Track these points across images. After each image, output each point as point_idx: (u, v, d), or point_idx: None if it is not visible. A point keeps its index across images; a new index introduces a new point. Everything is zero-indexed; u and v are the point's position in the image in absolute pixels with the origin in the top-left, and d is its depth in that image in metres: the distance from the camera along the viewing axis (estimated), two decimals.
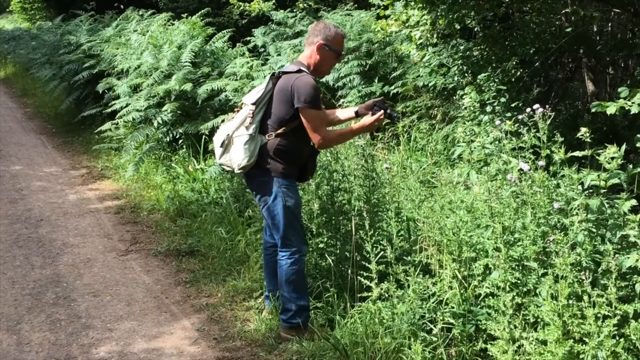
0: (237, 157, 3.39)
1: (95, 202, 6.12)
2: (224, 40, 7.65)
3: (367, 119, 3.46)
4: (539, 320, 2.79)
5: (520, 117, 3.43)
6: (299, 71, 3.38)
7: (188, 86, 6.40)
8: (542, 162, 3.11)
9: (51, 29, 11.89)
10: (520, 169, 3.17)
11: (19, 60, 14.56)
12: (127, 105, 6.79)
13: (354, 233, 3.64)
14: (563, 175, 3.19)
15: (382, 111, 3.45)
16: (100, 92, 7.81)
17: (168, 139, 6.62)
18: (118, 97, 7.15)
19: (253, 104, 3.42)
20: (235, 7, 10.86)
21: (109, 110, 7.17)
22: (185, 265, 4.59)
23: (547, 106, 3.25)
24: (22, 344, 3.56)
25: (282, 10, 10.07)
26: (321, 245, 3.91)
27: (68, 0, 15.92)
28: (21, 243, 5.02)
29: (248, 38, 9.84)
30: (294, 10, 10.17)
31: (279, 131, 3.37)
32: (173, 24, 8.58)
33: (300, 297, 3.48)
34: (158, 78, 6.67)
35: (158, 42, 7.39)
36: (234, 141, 3.41)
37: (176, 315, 3.88)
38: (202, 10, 8.49)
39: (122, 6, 11.35)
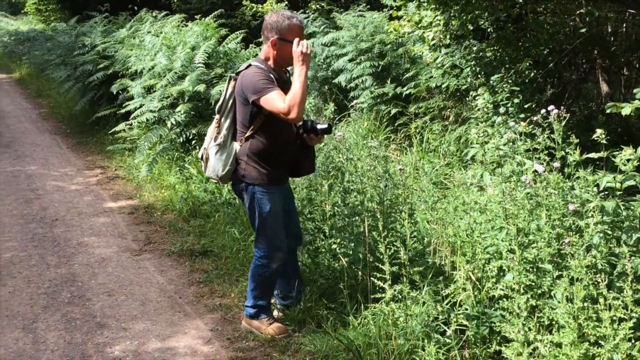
0: (215, 168, 3.42)
1: (110, 202, 6.16)
2: (237, 41, 7.68)
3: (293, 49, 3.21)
4: (554, 322, 2.78)
5: (534, 118, 3.42)
6: (248, 66, 3.34)
7: (201, 87, 6.44)
8: (557, 164, 3.10)
9: (66, 31, 11.99)
10: (535, 171, 3.16)
11: (33, 62, 14.68)
12: (140, 106, 6.83)
13: (367, 234, 3.64)
14: (578, 177, 3.18)
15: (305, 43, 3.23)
16: (115, 93, 7.86)
17: (181, 140, 6.65)
18: (132, 98, 7.20)
19: (217, 112, 3.45)
20: (248, 8, 10.91)
21: (123, 111, 7.23)
22: (199, 266, 4.61)
23: (562, 107, 3.23)
24: (37, 342, 3.59)
25: (294, 12, 10.08)
26: (334, 247, 3.91)
27: (82, 2, 16.08)
28: (36, 242, 5.07)
29: (260, 39, 9.88)
30: (307, 12, 10.18)
31: (247, 134, 3.35)
32: (186, 25, 8.62)
33: (261, 298, 3.57)
34: (172, 79, 6.70)
35: (172, 43, 7.43)
36: (208, 153, 3.45)
37: (190, 315, 3.90)
38: (215, 12, 8.52)
39: (135, 8, 11.42)
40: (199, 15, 9.20)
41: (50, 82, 11.96)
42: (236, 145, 3.40)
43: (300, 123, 3.42)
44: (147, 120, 6.66)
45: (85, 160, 7.80)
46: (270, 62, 3.37)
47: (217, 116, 3.45)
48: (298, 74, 3.19)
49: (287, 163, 3.47)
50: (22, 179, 6.86)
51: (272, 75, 3.28)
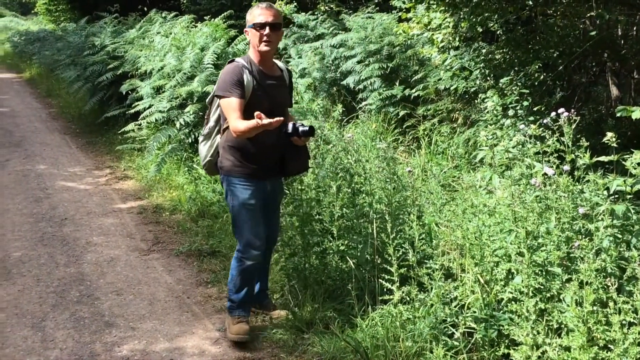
0: (201, 158, 3.58)
1: (118, 202, 6.19)
2: (246, 42, 7.68)
3: (267, 121, 3.08)
4: (563, 326, 2.77)
5: (544, 121, 3.41)
6: (232, 61, 3.40)
7: (210, 88, 6.45)
8: (567, 167, 3.09)
9: (76, 31, 12.05)
10: (545, 174, 3.15)
11: (43, 61, 14.76)
12: (150, 107, 6.86)
13: (375, 236, 3.64)
14: (588, 181, 3.17)
15: (278, 119, 3.09)
16: (124, 93, 7.89)
17: (190, 140, 6.67)
18: (141, 99, 7.22)
19: (208, 104, 3.56)
20: None
21: (132, 111, 7.26)
22: (207, 266, 4.62)
23: (572, 110, 3.22)
24: (46, 341, 3.61)
25: (303, 13, 10.11)
26: (342, 248, 3.91)
27: (92, 3, 16.17)
28: (46, 241, 5.09)
29: None
30: (316, 13, 10.20)
31: (224, 126, 3.41)
32: (196, 26, 8.64)
33: (235, 293, 3.57)
34: (181, 80, 6.73)
35: (181, 44, 7.46)
36: (199, 141, 3.63)
37: (198, 315, 3.91)
38: (225, 13, 8.54)
39: (145, 8, 11.47)
40: (208, 16, 9.21)
41: (60, 82, 12.02)
42: (219, 137, 3.49)
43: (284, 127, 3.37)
44: (156, 120, 6.69)
45: (95, 160, 7.84)
46: (254, 57, 3.39)
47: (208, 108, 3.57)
48: (253, 124, 3.10)
49: (268, 161, 3.44)
50: (31, 178, 6.90)
51: (246, 78, 3.28)
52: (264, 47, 3.32)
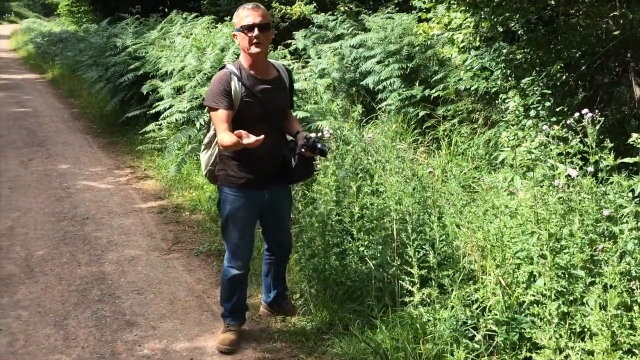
0: (202, 166, 3.53)
1: (139, 201, 6.24)
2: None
3: (246, 141, 2.94)
4: (586, 330, 2.74)
5: (568, 122, 3.37)
6: (223, 67, 3.30)
7: None
8: (590, 168, 3.05)
9: (98, 32, 12.17)
10: (568, 175, 3.11)
11: (66, 62, 14.93)
12: (170, 107, 6.89)
13: (395, 237, 3.63)
14: (612, 182, 3.13)
15: (261, 137, 2.96)
16: (145, 93, 7.95)
17: None
18: (162, 99, 7.27)
19: (208, 113, 3.40)
20: (277, 10, 10.95)
21: (153, 111, 7.30)
22: None
23: (596, 111, 3.18)
24: (68, 339, 3.65)
25: (323, 14, 10.12)
26: (361, 249, 3.91)
27: (114, 4, 16.32)
28: (68, 240, 5.15)
29: (289, 41, 9.92)
30: (335, 14, 10.20)
31: None
32: (216, 27, 8.69)
33: (225, 301, 3.59)
34: (201, 80, 6.75)
35: (201, 44, 7.50)
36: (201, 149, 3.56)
37: (217, 315, 3.92)
38: None
39: (166, 10, 11.55)
40: (229, 17, 9.26)
41: (82, 83, 12.14)
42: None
43: (304, 136, 3.29)
44: (176, 120, 6.72)
45: (116, 160, 7.90)
46: (245, 61, 3.27)
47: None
48: (235, 141, 2.96)
49: (264, 170, 3.34)
50: (54, 177, 6.98)
51: (234, 86, 3.17)
52: (254, 50, 3.19)
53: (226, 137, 3.08)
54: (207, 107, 3.27)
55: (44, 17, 39.76)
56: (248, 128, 3.05)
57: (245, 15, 3.19)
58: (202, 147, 3.49)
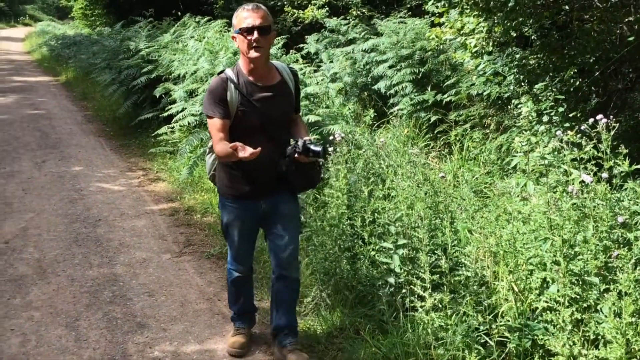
0: (206, 169, 3.45)
1: (151, 204, 6.26)
2: (278, 46, 7.73)
3: (242, 154, 2.84)
4: (600, 337, 2.71)
5: (582, 127, 3.35)
6: (220, 73, 3.13)
7: None
8: (605, 174, 3.02)
9: (111, 35, 12.28)
10: (582, 181, 3.09)
11: (79, 65, 15.04)
12: (182, 110, 6.93)
13: (407, 241, 3.61)
14: (626, 189, 3.10)
15: (258, 150, 2.83)
16: (157, 96, 7.99)
17: None
18: (174, 102, 7.30)
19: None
20: (289, 14, 10.99)
21: (165, 114, 7.34)
22: None
23: (611, 117, 3.16)
24: (80, 340, 3.67)
25: (335, 18, 10.14)
26: (372, 253, 3.90)
27: (127, 7, 16.44)
28: (80, 242, 5.18)
29: (301, 45, 9.95)
30: (347, 18, 10.21)
31: None
32: (228, 31, 8.72)
33: (233, 304, 3.60)
34: None
35: (214, 48, 7.53)
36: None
37: (228, 318, 3.92)
38: None
39: (179, 13, 11.62)
40: None
41: (95, 86, 12.23)
42: None
43: (294, 141, 3.16)
44: (188, 123, 6.75)
45: (128, 162, 7.94)
46: (244, 66, 3.10)
47: None
48: (229, 152, 2.89)
49: (261, 180, 3.17)
50: (67, 179, 7.02)
51: (230, 94, 3.02)
52: (253, 54, 2.99)
53: (220, 148, 3.00)
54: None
55: (58, 20, 40.14)
56: (244, 137, 2.96)
57: (245, 16, 3.00)
58: (207, 150, 3.41)
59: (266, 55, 3.08)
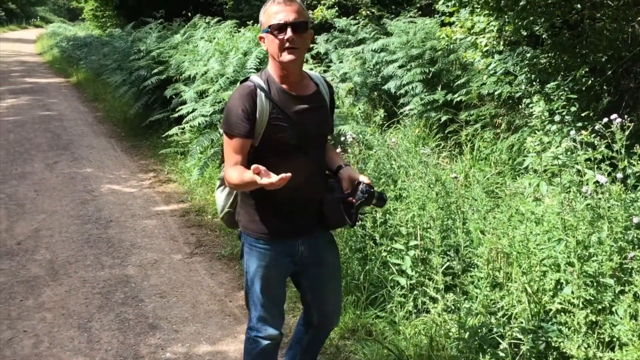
0: (217, 207, 2.73)
1: (162, 204, 6.28)
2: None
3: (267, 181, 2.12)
4: (615, 339, 2.68)
5: (596, 127, 3.32)
6: (245, 80, 2.52)
7: None
8: (619, 175, 3.00)
9: (122, 36, 12.33)
10: (596, 181, 3.07)
11: (90, 66, 15.11)
12: (193, 111, 6.93)
13: (418, 242, 3.60)
14: None
15: (288, 175, 2.12)
16: (168, 97, 8.01)
17: None
18: (185, 103, 7.31)
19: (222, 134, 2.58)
20: None
21: (176, 115, 7.35)
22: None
23: (625, 116, 3.13)
24: (92, 341, 3.68)
25: (345, 18, 10.13)
26: (384, 254, 3.88)
27: (138, 9, 16.51)
28: (92, 243, 5.20)
29: (311, 45, 9.94)
30: (357, 18, 10.20)
31: None
32: (239, 31, 8.74)
33: None
34: (224, 84, 6.79)
35: (224, 49, 7.54)
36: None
37: (239, 319, 3.93)
38: None
39: (189, 14, 11.64)
40: (251, 21, 9.31)
41: (106, 87, 12.29)
42: None
43: (359, 183, 2.54)
44: (199, 124, 6.75)
45: (139, 163, 7.97)
46: (275, 72, 2.49)
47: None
48: (248, 179, 2.21)
49: (299, 213, 2.55)
50: (78, 180, 7.05)
51: (260, 105, 2.40)
52: (287, 57, 2.40)
53: (234, 174, 2.35)
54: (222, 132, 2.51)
55: (69, 21, 40.40)
56: (276, 160, 2.39)
57: (275, 11, 2.41)
58: (219, 183, 2.72)
59: (302, 58, 2.49)
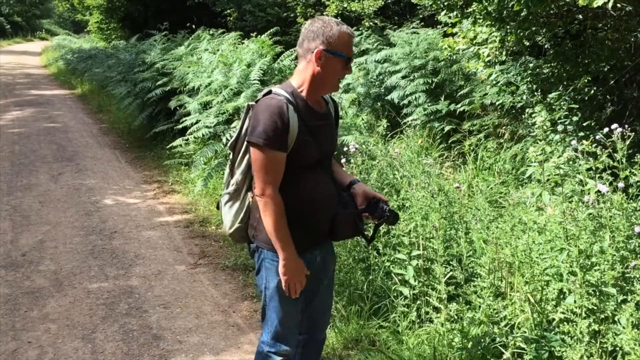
0: (224, 223, 2.63)
1: (166, 215, 6.30)
2: (291, 58, 7.78)
3: (294, 269, 2.41)
4: (618, 349, 2.68)
5: (597, 136, 3.33)
6: (269, 93, 2.43)
7: None
8: (621, 184, 3.00)
9: (126, 48, 12.41)
10: (598, 191, 3.07)
11: (95, 78, 15.20)
12: (197, 122, 6.98)
13: (421, 252, 3.60)
14: None
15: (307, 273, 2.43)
16: (172, 108, 8.06)
17: None
18: (189, 114, 7.36)
19: (231, 150, 2.58)
20: (302, 25, 11.04)
21: (180, 126, 7.39)
22: (252, 280, 4.65)
23: (626, 126, 3.14)
24: (96, 352, 3.69)
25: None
26: (387, 264, 3.89)
27: (142, 21, 16.62)
28: (96, 254, 5.22)
29: None
30: (360, 29, 10.25)
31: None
32: (242, 43, 8.79)
33: None
34: (227, 95, 6.83)
35: (228, 60, 7.59)
36: (221, 202, 2.65)
37: (243, 330, 3.94)
38: (271, 29, 8.66)
39: (193, 26, 11.72)
40: (255, 33, 9.37)
41: (111, 98, 12.36)
42: (250, 196, 2.56)
43: (377, 201, 2.58)
44: (203, 135, 6.79)
45: (143, 175, 8.00)
46: (304, 88, 2.45)
47: (230, 155, 2.60)
48: (289, 252, 2.39)
49: (320, 223, 2.53)
50: (83, 191, 7.09)
51: (292, 119, 2.35)
52: (339, 86, 2.52)
53: (276, 206, 2.36)
54: (249, 145, 2.40)
55: (74, 34, 40.65)
56: (301, 175, 2.42)
57: (348, 42, 2.41)
58: (225, 199, 2.60)
59: None
